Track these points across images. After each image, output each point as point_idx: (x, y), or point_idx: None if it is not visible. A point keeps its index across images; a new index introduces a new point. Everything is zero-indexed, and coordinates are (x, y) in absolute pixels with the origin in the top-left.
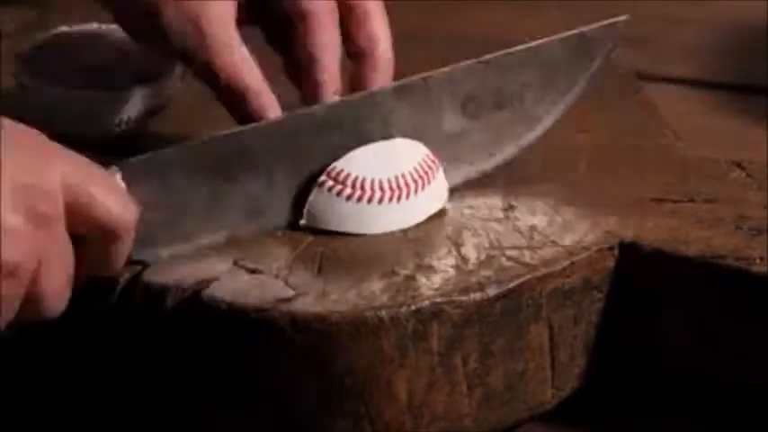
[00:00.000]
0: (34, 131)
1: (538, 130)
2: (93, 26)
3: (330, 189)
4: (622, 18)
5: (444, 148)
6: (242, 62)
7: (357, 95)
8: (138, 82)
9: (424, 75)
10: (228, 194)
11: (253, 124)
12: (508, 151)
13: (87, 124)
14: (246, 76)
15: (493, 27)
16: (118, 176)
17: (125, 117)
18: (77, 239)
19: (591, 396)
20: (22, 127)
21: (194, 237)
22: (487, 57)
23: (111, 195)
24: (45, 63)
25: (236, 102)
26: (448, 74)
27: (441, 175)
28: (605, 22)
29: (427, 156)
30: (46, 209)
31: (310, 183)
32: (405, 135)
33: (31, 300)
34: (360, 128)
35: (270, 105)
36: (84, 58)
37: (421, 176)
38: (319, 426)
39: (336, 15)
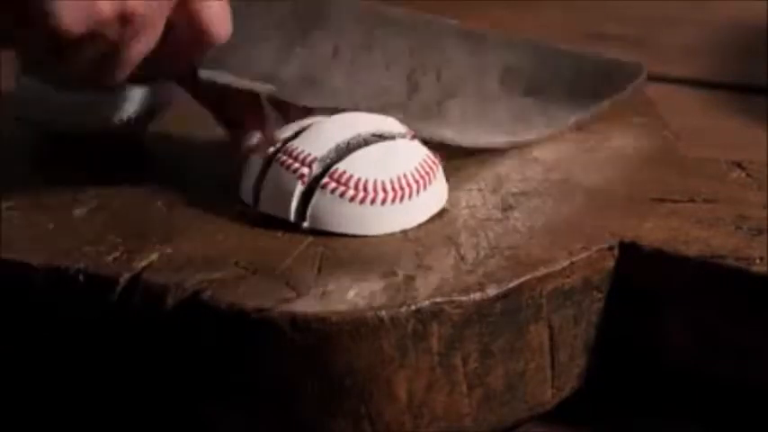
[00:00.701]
0: None
1: (553, 129)
2: None
3: (333, 191)
4: (643, 78)
5: (474, 106)
6: None
7: (430, 17)
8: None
9: (482, 29)
10: (295, 50)
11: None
12: (522, 137)
13: (87, 124)
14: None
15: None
16: None
17: (125, 117)
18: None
19: (591, 396)
20: None
21: (251, 74)
22: (536, 41)
23: (224, 12)
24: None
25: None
26: (501, 37)
27: (441, 175)
28: (632, 60)
29: (428, 156)
30: None
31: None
32: (451, 77)
33: (109, 56)
34: (423, 43)
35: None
36: None
37: (422, 176)
38: (319, 426)
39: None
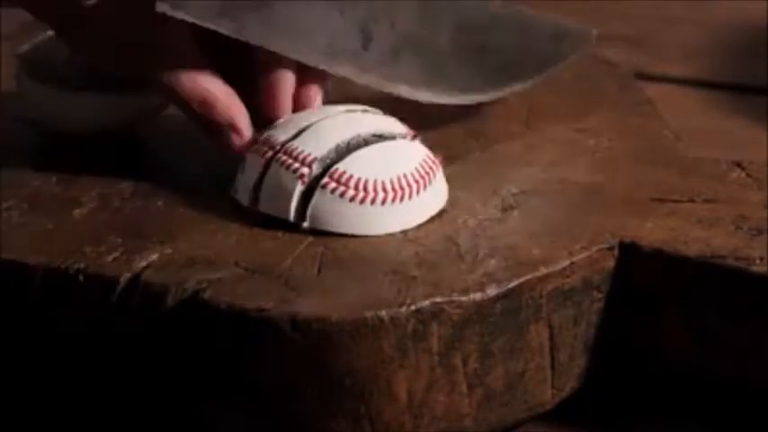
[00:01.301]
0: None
1: (492, 95)
2: None
3: (333, 191)
4: (594, 32)
5: (427, 61)
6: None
7: None
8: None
9: None
10: (335, 17)
11: None
12: (477, 96)
13: (87, 124)
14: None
15: None
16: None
17: (125, 117)
18: None
19: (591, 396)
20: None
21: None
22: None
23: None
24: (45, 63)
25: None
26: None
27: (441, 175)
28: (580, 25)
29: (428, 156)
30: None
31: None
32: (405, 27)
33: None
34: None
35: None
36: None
37: (422, 176)
38: (319, 426)
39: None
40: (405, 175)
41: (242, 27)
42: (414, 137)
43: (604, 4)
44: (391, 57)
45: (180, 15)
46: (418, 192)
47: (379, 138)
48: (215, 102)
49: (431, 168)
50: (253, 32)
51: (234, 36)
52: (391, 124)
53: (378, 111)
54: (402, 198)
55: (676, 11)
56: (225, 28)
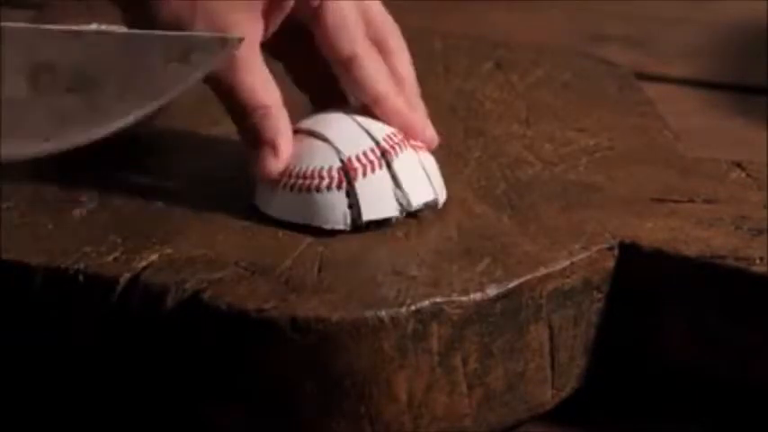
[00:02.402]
0: None
1: (108, 127)
2: (93, 26)
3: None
4: (237, 37)
5: (3, 114)
6: (261, 83)
7: None
8: None
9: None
10: None
11: None
12: (70, 139)
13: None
14: (265, 97)
15: (493, 26)
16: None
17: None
18: None
19: (591, 396)
20: None
21: None
22: (80, 28)
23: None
24: None
25: (248, 122)
26: (24, 32)
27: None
28: (218, 34)
29: (371, 149)
30: None
31: None
32: None
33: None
34: None
35: (283, 128)
36: None
37: (364, 164)
38: (319, 426)
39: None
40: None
41: None
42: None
43: (604, 4)
44: None
45: None
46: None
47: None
48: (267, 116)
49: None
50: None
51: None
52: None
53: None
54: (340, 184)
55: (676, 11)
56: None
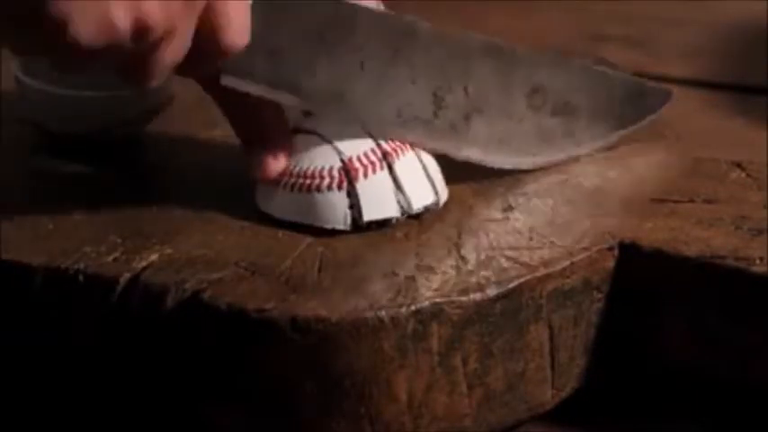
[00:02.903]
0: None
1: (579, 151)
2: None
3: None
4: (673, 92)
5: (498, 124)
6: None
7: (458, 31)
8: None
9: (512, 45)
10: (321, 62)
11: (370, 8)
12: (547, 158)
13: (87, 124)
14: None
15: (493, 27)
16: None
17: (125, 117)
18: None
19: (591, 396)
20: None
21: (276, 84)
22: (567, 59)
23: (241, 12)
24: (45, 63)
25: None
26: (531, 55)
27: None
28: (666, 87)
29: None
30: None
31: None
32: (476, 93)
33: (147, 59)
34: (450, 59)
35: (282, 127)
36: None
37: (365, 165)
38: (319, 426)
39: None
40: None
41: (308, 98)
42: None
43: (605, 4)
44: (463, 122)
45: (243, 88)
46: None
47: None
48: (265, 116)
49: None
50: (321, 106)
51: (303, 108)
52: None
53: None
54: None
55: (676, 11)
56: (292, 102)
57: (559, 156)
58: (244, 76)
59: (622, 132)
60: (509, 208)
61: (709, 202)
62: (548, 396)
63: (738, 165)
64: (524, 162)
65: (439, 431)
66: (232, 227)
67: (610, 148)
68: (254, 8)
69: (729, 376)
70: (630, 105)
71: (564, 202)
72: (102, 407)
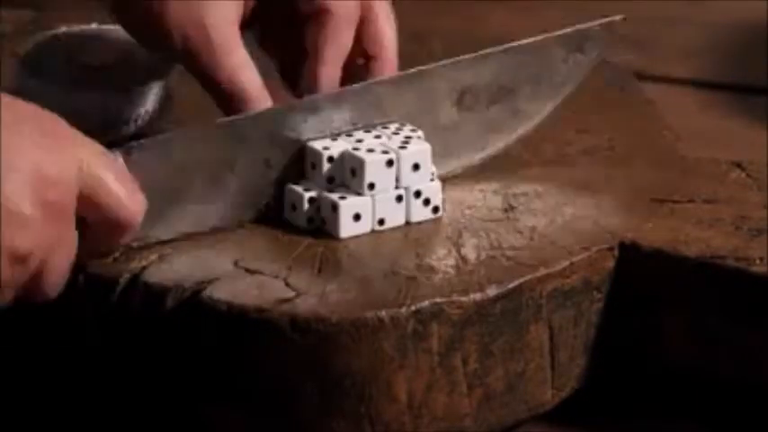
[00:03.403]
0: (53, 116)
1: (529, 125)
2: (93, 26)
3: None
4: (618, 17)
5: (437, 139)
6: (241, 66)
7: (355, 86)
8: (138, 83)
9: (423, 67)
10: (226, 181)
11: (252, 112)
12: (498, 145)
13: (87, 125)
14: (245, 80)
15: (493, 27)
16: (120, 160)
17: (125, 117)
18: (79, 221)
19: (591, 396)
20: (41, 112)
21: (192, 222)
22: (485, 51)
23: (123, 186)
24: (45, 63)
25: (232, 106)
26: (446, 66)
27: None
28: (602, 20)
29: None
30: (61, 200)
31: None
32: (404, 119)
33: (32, 284)
34: (357, 115)
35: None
36: (84, 58)
37: None
38: (319, 426)
39: (354, 22)
40: None
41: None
42: None
43: (605, 4)
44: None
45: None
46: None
47: None
48: (248, 100)
49: None
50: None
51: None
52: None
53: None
54: None
55: (676, 11)
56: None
57: (504, 140)
58: (158, 224)
59: (570, 85)
60: (509, 208)
61: (709, 202)
62: (548, 396)
63: (738, 165)
64: (473, 158)
65: (439, 431)
66: (232, 227)
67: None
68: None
69: (729, 376)
70: (572, 55)
71: (564, 202)
72: (103, 407)
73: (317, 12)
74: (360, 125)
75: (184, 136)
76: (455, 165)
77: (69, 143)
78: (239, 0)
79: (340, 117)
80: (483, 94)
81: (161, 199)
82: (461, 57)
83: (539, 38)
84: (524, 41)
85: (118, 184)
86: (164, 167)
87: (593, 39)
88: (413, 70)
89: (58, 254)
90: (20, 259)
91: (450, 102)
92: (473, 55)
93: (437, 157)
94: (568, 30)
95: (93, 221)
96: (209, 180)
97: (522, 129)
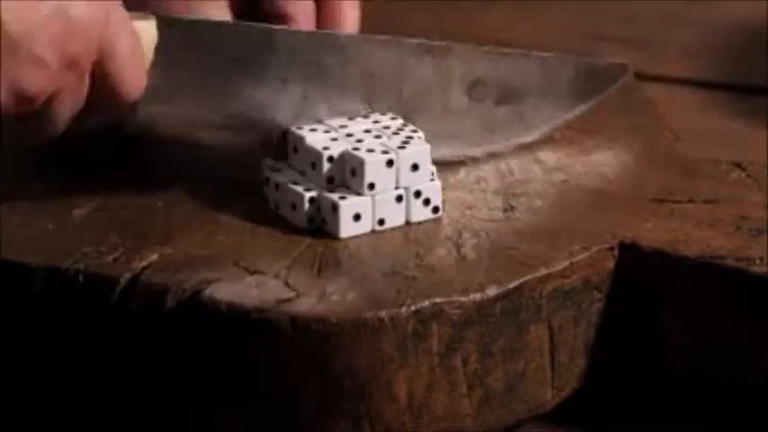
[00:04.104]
0: None
1: (531, 136)
2: None
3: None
4: (629, 66)
5: (440, 121)
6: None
7: (381, 36)
8: None
9: (447, 43)
10: (240, 84)
11: (286, 27)
12: (496, 146)
13: (87, 124)
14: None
15: (493, 27)
16: (153, 23)
17: (125, 117)
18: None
19: (591, 396)
20: None
21: (198, 110)
22: (507, 50)
23: (132, 61)
24: None
25: None
26: (467, 49)
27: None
28: (617, 61)
29: None
30: (80, 52)
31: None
32: (411, 93)
33: (32, 124)
34: (378, 70)
35: None
36: None
37: None
38: (319, 426)
39: (314, 19)
40: None
41: (233, 121)
42: None
43: (605, 4)
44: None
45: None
46: None
47: None
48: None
49: None
50: (246, 129)
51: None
52: None
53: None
54: None
55: (676, 11)
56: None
57: (508, 142)
58: (166, 110)
59: (575, 111)
60: (510, 208)
61: (709, 202)
62: (548, 396)
63: (738, 165)
64: (471, 151)
65: (439, 431)
66: (232, 227)
67: (561, 128)
68: (166, 37)
69: (729, 376)
70: (581, 84)
71: (564, 202)
72: (102, 407)
73: (279, 17)
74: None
75: (213, 28)
76: (446, 152)
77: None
78: (228, 1)
79: (359, 60)
80: (493, 90)
81: (172, 84)
82: (482, 46)
83: (552, 56)
84: (539, 54)
85: (129, 57)
86: (189, 53)
87: (603, 76)
88: (436, 42)
89: (64, 101)
90: (25, 100)
91: (463, 87)
92: (493, 47)
93: (436, 139)
94: (582, 58)
95: (97, 80)
96: (224, 76)
97: (523, 138)
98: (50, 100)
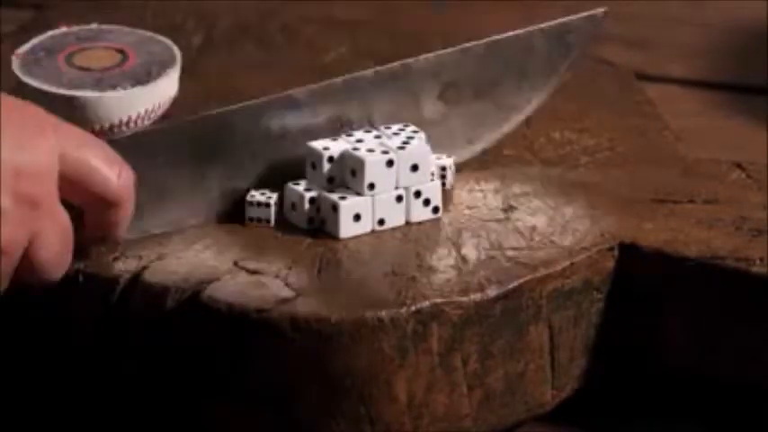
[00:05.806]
0: (30, 105)
1: (516, 119)
2: (93, 26)
3: None
4: (601, 10)
5: (424, 134)
6: None
7: (337, 80)
8: (137, 83)
9: (404, 61)
10: (210, 174)
11: (237, 105)
12: (487, 139)
13: (86, 125)
14: None
15: (493, 27)
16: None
17: (125, 118)
18: (75, 208)
19: (591, 396)
20: (17, 101)
21: (177, 215)
22: (467, 45)
23: (107, 163)
24: (45, 63)
25: None
26: (428, 60)
27: None
28: (585, 13)
29: None
30: (38, 190)
31: (289, 165)
32: (384, 120)
33: (27, 270)
34: (339, 112)
35: None
36: (84, 59)
37: None
38: (319, 426)
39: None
40: None
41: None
42: None
43: (605, 4)
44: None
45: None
46: None
47: None
48: None
49: None
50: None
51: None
52: None
53: None
54: None
55: (676, 11)
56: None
57: (494, 133)
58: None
59: (555, 78)
60: (509, 208)
61: (709, 202)
62: (548, 396)
63: (738, 165)
64: (464, 153)
65: (439, 431)
66: (233, 227)
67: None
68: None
69: (729, 376)
70: (555, 48)
71: (564, 202)
72: (103, 406)
73: None
74: (344, 120)
75: (166, 130)
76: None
77: (50, 132)
78: None
79: (323, 112)
80: (466, 87)
81: (150, 191)
82: (442, 51)
83: (521, 31)
84: (506, 35)
85: (100, 161)
86: (150, 160)
87: (576, 31)
88: (395, 64)
89: (45, 239)
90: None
91: (434, 96)
92: (454, 48)
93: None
94: (551, 23)
95: (87, 203)
96: (193, 171)
97: (510, 123)
98: (29, 245)
